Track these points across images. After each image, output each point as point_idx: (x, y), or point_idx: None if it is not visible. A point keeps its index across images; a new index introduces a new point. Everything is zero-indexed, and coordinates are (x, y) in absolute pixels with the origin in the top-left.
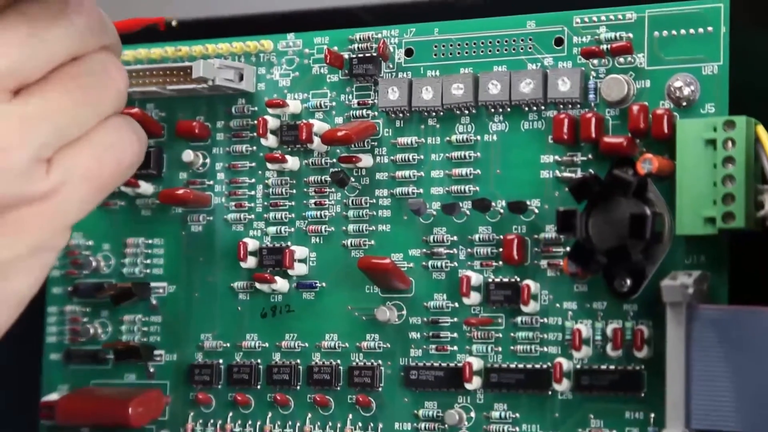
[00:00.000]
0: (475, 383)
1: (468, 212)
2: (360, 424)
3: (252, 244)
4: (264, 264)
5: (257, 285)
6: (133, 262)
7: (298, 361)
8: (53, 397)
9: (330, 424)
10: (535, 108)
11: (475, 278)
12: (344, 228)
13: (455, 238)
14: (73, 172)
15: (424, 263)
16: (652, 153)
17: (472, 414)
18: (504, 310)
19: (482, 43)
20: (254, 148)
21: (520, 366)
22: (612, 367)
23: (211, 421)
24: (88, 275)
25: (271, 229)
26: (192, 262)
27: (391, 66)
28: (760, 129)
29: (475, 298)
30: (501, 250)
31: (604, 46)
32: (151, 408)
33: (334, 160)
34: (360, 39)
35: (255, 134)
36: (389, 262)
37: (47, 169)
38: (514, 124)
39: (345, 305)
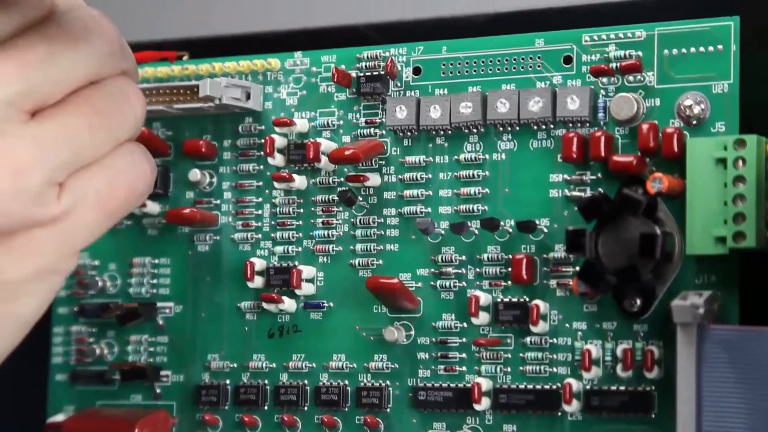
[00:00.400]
0: (484, 404)
1: (476, 231)
2: None
3: (259, 263)
4: (271, 284)
5: (264, 305)
6: (139, 281)
7: (306, 381)
8: (59, 418)
9: None
10: (544, 126)
11: (484, 298)
12: (352, 247)
13: (464, 257)
14: (85, 197)
15: (432, 283)
16: (662, 172)
17: None
18: (513, 330)
19: (491, 61)
20: (261, 167)
21: (530, 387)
22: (622, 387)
23: None
24: (94, 295)
25: (279, 249)
26: (199, 281)
27: (398, 84)
28: None
29: (483, 318)
30: (510, 269)
31: (614, 65)
32: (157, 429)
33: (342, 179)
34: (367, 57)
35: (262, 153)
36: (397, 282)
37: (59, 192)
38: (523, 143)
39: (353, 325)
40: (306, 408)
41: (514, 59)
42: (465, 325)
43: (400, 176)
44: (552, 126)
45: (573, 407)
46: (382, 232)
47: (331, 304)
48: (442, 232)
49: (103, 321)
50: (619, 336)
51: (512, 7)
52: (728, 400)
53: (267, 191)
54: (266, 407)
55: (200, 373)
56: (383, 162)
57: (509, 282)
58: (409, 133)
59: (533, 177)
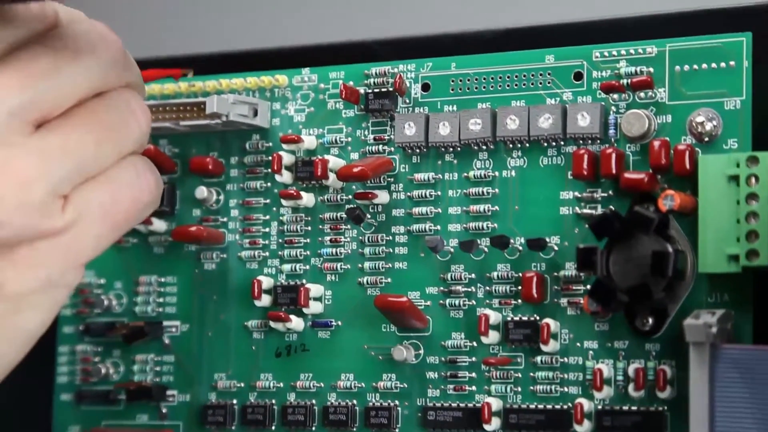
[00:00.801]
0: (494, 424)
1: (486, 249)
2: None
3: (266, 281)
4: (278, 302)
5: (272, 324)
6: (145, 300)
7: (314, 401)
8: None
9: None
10: (554, 143)
11: (494, 317)
12: (360, 265)
13: (473, 275)
14: (89, 209)
15: (441, 301)
16: (673, 189)
17: None
18: (523, 349)
19: (500, 77)
20: (269, 184)
21: (540, 406)
22: (634, 407)
23: None
24: (99, 314)
25: (286, 267)
26: (205, 300)
27: (407, 101)
28: None
29: (493, 337)
30: (520, 288)
31: (625, 81)
32: None
33: (350, 197)
34: (376, 74)
35: (269, 170)
36: (406, 301)
37: (63, 204)
38: (533, 160)
39: (361, 344)
40: (314, 428)
41: (524, 75)
42: (475, 344)
43: (408, 193)
44: (562, 143)
45: (584, 428)
46: (391, 250)
47: (339, 323)
48: (452, 249)
49: (109, 340)
50: (630, 355)
51: (522, 23)
52: (742, 421)
53: (274, 209)
54: (273, 427)
55: (207, 392)
56: (392, 179)
57: (519, 300)
58: (417, 150)
59: (543, 194)
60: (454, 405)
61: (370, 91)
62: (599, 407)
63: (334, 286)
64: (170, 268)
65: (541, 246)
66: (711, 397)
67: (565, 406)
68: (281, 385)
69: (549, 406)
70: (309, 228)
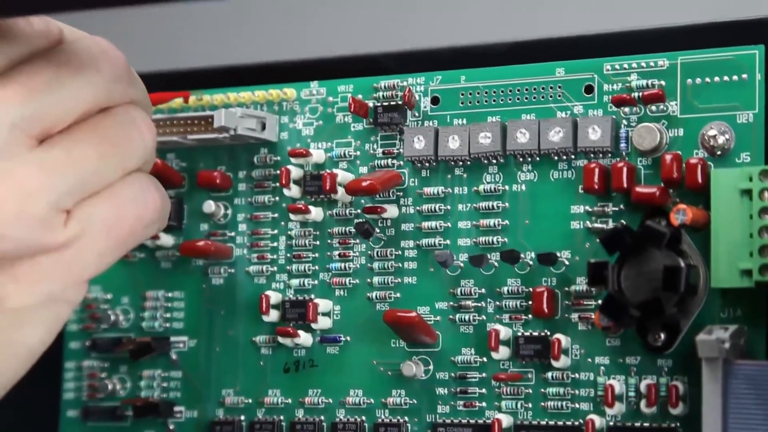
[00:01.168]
0: None
1: (496, 264)
2: None
3: (274, 296)
4: (287, 317)
5: (280, 339)
6: (152, 315)
7: (322, 417)
8: None
9: None
10: (564, 157)
11: (504, 332)
12: (369, 280)
13: (483, 290)
14: (92, 224)
15: (451, 316)
16: (685, 203)
17: None
18: (534, 365)
19: (510, 90)
20: (277, 198)
21: (551, 423)
22: (646, 424)
23: None
24: (106, 329)
25: (294, 282)
26: (213, 315)
27: (416, 114)
28: None
29: (504, 352)
30: (530, 303)
31: (636, 94)
32: None
33: (359, 211)
34: (385, 87)
35: (278, 184)
36: (415, 316)
37: (66, 219)
38: (544, 174)
39: (370, 360)
40: None
41: (534, 89)
42: (485, 359)
43: (418, 208)
44: (573, 156)
45: None
46: (400, 265)
47: (348, 339)
48: (461, 264)
49: (116, 356)
50: (642, 371)
51: (532, 35)
52: None
53: (283, 223)
54: None
55: (214, 408)
56: (401, 193)
57: (530, 315)
58: (427, 164)
59: (554, 208)
60: (464, 421)
61: (379, 104)
62: (611, 424)
63: (342, 301)
64: (177, 283)
65: (552, 261)
66: (724, 414)
67: (576, 423)
68: (289, 401)
69: (560, 423)
70: (317, 242)
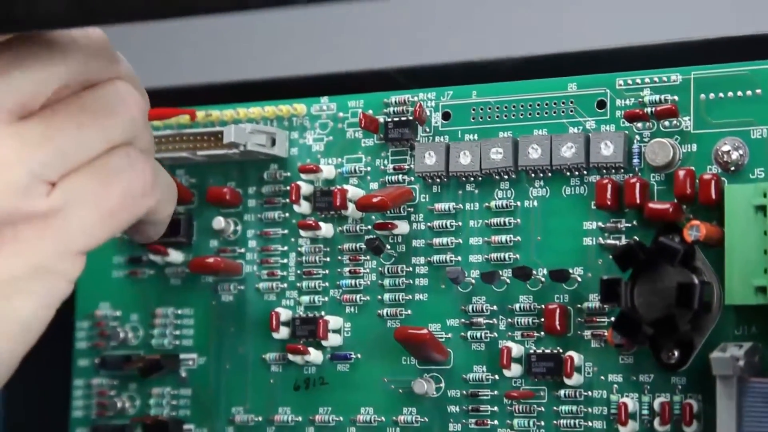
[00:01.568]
0: None
1: (508, 281)
2: None
3: (284, 313)
4: (297, 334)
5: (290, 356)
6: (161, 333)
7: None
8: None
9: None
10: (577, 173)
11: (516, 349)
12: (380, 297)
13: (495, 307)
14: (76, 195)
15: (462, 334)
16: (699, 219)
17: None
18: (546, 382)
19: (522, 106)
20: (287, 214)
21: None
22: None
23: None
24: (115, 347)
25: (304, 299)
26: (222, 332)
27: (427, 130)
28: None
29: (516, 370)
30: (543, 320)
31: (649, 109)
32: None
33: (370, 227)
34: (395, 102)
35: (288, 200)
36: (426, 333)
37: (50, 190)
38: (556, 190)
39: (381, 377)
40: None
41: (546, 104)
42: (496, 377)
43: (429, 224)
44: (585, 172)
45: None
46: (411, 282)
47: (359, 356)
48: (473, 281)
49: (125, 373)
50: (656, 389)
51: (544, 50)
52: None
53: (293, 239)
54: None
55: (224, 426)
56: (412, 209)
57: (542, 333)
58: (438, 180)
59: (566, 225)
60: None
61: (389, 120)
62: None
63: (353, 318)
64: (187, 300)
65: (564, 277)
66: None
67: None
68: (300, 419)
69: None
70: (328, 259)
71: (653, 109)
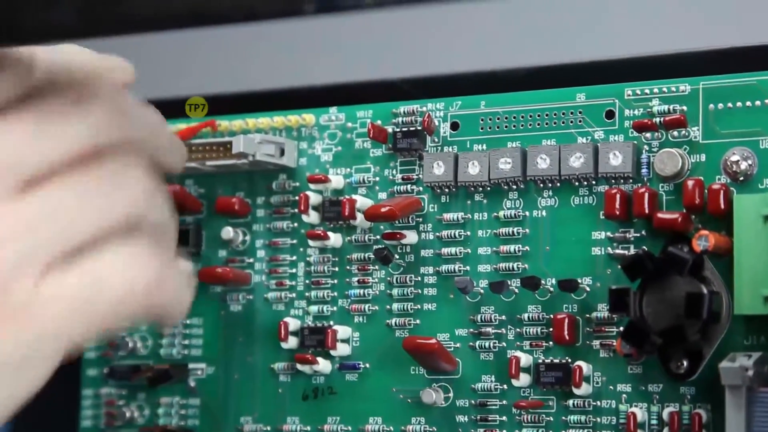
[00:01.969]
0: None
1: (516, 290)
2: None
3: (293, 323)
4: (305, 344)
5: (298, 366)
6: (170, 342)
7: None
8: None
9: None
10: (585, 183)
11: (525, 359)
12: (388, 307)
13: (503, 317)
14: (62, 292)
15: (471, 343)
16: (708, 229)
17: None
18: (555, 392)
19: (530, 116)
20: (295, 224)
21: None
22: None
23: None
24: (124, 357)
25: (313, 308)
26: (231, 342)
27: (436, 140)
28: None
29: (524, 379)
30: (551, 329)
31: (657, 119)
32: None
33: (378, 237)
34: (404, 112)
35: (296, 210)
36: (435, 343)
37: (36, 281)
38: (564, 200)
39: (389, 387)
40: None
41: (555, 114)
42: (505, 387)
43: (437, 234)
44: (594, 182)
45: None
46: (420, 291)
47: (367, 366)
48: (481, 291)
49: (134, 383)
50: (665, 399)
51: (553, 61)
52: None
53: (301, 249)
54: None
55: None
56: (420, 219)
57: (551, 342)
58: (446, 190)
59: (575, 234)
60: None
61: (398, 130)
62: None
63: (361, 327)
64: (196, 310)
65: (573, 287)
66: None
67: None
68: (308, 428)
69: None
70: (336, 269)
71: (662, 119)
